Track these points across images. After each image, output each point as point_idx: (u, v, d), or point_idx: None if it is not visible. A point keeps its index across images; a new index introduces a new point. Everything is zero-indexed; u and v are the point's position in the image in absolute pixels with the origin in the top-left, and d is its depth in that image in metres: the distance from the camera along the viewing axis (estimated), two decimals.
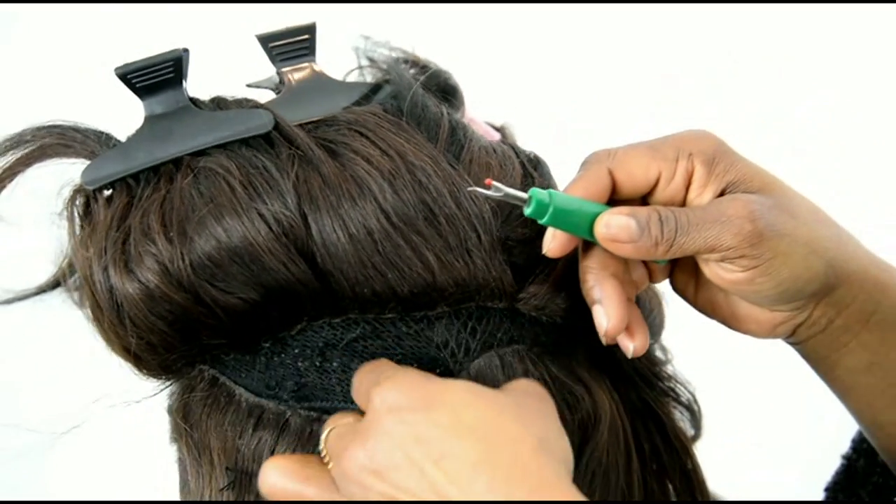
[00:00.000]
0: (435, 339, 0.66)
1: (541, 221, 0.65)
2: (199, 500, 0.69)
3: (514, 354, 0.68)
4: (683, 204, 0.68)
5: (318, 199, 0.63)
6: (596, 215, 0.66)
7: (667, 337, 0.80)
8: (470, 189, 0.65)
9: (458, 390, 0.60)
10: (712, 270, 0.68)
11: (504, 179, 0.68)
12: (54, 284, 0.73)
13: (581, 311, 0.69)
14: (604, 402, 0.70)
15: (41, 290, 0.74)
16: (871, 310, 0.71)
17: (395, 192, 0.64)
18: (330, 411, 0.67)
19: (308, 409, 0.67)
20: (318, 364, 0.66)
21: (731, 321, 0.72)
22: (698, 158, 0.67)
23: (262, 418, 0.68)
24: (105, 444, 1.49)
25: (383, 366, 0.64)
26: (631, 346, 0.68)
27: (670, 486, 0.78)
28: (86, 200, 0.67)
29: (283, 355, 0.67)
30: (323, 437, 0.64)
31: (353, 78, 0.80)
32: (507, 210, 0.67)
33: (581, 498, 0.57)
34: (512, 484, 0.56)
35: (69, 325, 0.70)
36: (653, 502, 0.76)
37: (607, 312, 0.67)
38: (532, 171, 0.70)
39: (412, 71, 0.79)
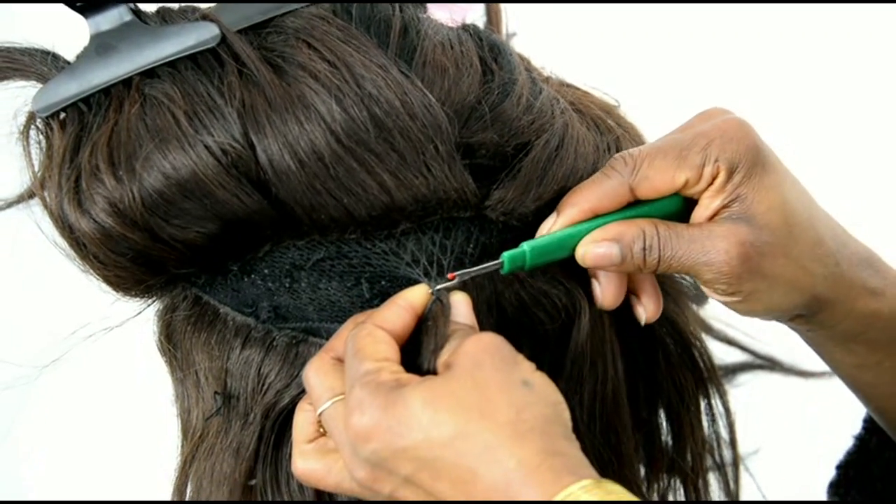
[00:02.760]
0: (404, 257, 0.64)
1: (525, 269, 0.65)
2: (186, 419, 0.70)
3: (486, 277, 0.66)
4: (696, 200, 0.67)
5: (264, 125, 0.61)
6: (580, 238, 0.66)
7: None
8: (439, 288, 0.63)
9: (415, 403, 0.58)
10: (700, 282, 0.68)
11: (459, 82, 0.64)
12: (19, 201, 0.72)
13: (552, 206, 0.66)
14: (581, 296, 0.69)
15: (8, 206, 0.72)
16: (859, 331, 0.70)
17: (343, 109, 0.61)
18: (311, 332, 0.67)
19: (289, 329, 0.67)
20: (287, 285, 0.66)
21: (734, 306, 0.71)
22: (723, 165, 0.66)
23: (249, 337, 0.67)
24: (105, 443, 1.53)
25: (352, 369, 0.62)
26: (642, 315, 0.69)
27: (678, 375, 0.76)
28: (40, 127, 0.66)
29: (253, 276, 0.66)
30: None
31: None
32: (466, 114, 0.64)
33: (576, 451, 0.57)
34: (516, 483, 0.55)
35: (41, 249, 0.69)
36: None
37: (603, 289, 0.67)
38: (492, 64, 0.66)
39: None
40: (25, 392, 0.70)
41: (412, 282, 0.65)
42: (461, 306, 0.63)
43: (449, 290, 0.64)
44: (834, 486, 0.83)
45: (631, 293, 0.69)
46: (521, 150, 0.65)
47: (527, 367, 0.60)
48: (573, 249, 0.66)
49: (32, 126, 0.66)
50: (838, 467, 0.83)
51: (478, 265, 0.65)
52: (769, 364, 0.89)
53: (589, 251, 0.65)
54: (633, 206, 0.67)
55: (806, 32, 1.61)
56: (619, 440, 0.70)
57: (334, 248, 0.64)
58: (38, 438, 1.57)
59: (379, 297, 0.65)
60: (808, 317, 0.70)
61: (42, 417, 1.54)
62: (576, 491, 0.55)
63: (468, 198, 0.64)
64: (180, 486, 0.69)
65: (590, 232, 0.66)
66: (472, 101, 0.63)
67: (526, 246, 0.64)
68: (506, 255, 0.64)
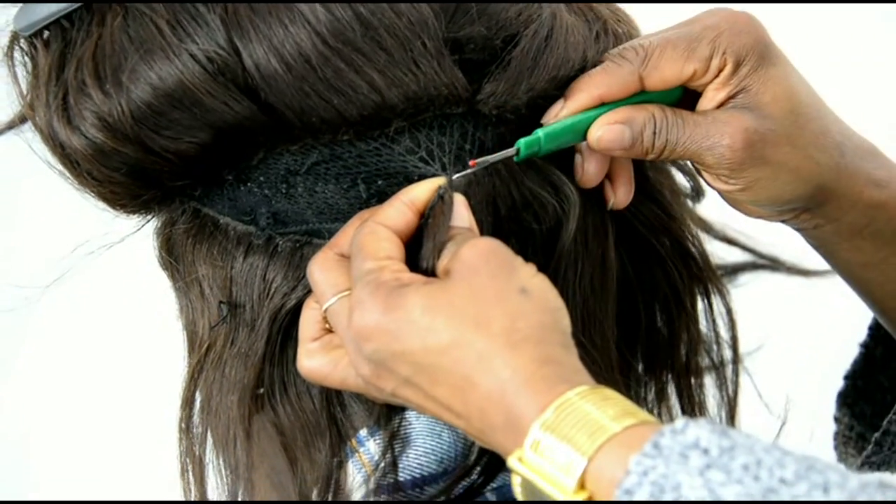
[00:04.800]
0: (401, 155, 0.64)
1: (538, 155, 0.65)
2: (191, 330, 0.70)
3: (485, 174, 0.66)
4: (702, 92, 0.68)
5: (248, 30, 0.61)
6: (590, 123, 0.66)
7: None
8: (455, 177, 0.63)
9: (414, 309, 0.58)
10: (703, 171, 0.69)
11: None
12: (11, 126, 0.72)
13: (546, 97, 0.66)
14: (571, 193, 0.68)
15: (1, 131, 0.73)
16: (864, 223, 0.70)
17: (327, 10, 0.60)
18: (313, 233, 0.67)
19: (290, 233, 0.67)
20: (283, 191, 0.66)
21: (727, 201, 0.72)
22: (730, 57, 0.66)
23: (251, 245, 0.68)
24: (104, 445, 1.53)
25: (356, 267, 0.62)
26: (611, 199, 0.69)
27: (671, 268, 0.75)
28: (24, 48, 0.66)
29: (249, 184, 0.66)
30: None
31: None
32: (451, 8, 0.63)
33: (573, 359, 0.58)
34: (510, 393, 0.56)
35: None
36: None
37: (585, 165, 0.67)
38: None
39: None
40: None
41: (409, 179, 0.65)
42: (459, 208, 0.63)
43: (455, 184, 0.64)
44: (842, 397, 0.83)
45: (606, 178, 0.69)
46: (510, 42, 0.64)
47: (525, 273, 0.59)
48: (584, 135, 0.66)
49: (16, 47, 0.66)
50: (846, 377, 0.83)
51: (479, 159, 0.65)
52: (771, 263, 0.89)
53: (603, 133, 0.66)
54: (637, 96, 0.67)
55: (804, 32, 1.59)
56: (605, 344, 0.70)
57: (328, 151, 0.64)
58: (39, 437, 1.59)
59: (376, 196, 0.65)
60: (813, 209, 0.70)
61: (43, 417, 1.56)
62: (571, 397, 0.55)
63: (459, 93, 0.64)
64: (189, 397, 0.70)
65: (600, 117, 0.66)
66: None
67: (540, 132, 0.65)
68: (521, 141, 0.65)
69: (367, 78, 0.61)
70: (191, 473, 0.69)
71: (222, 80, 0.61)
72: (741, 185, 0.67)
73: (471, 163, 0.64)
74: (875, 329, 0.81)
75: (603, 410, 0.54)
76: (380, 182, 0.65)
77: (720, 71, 0.66)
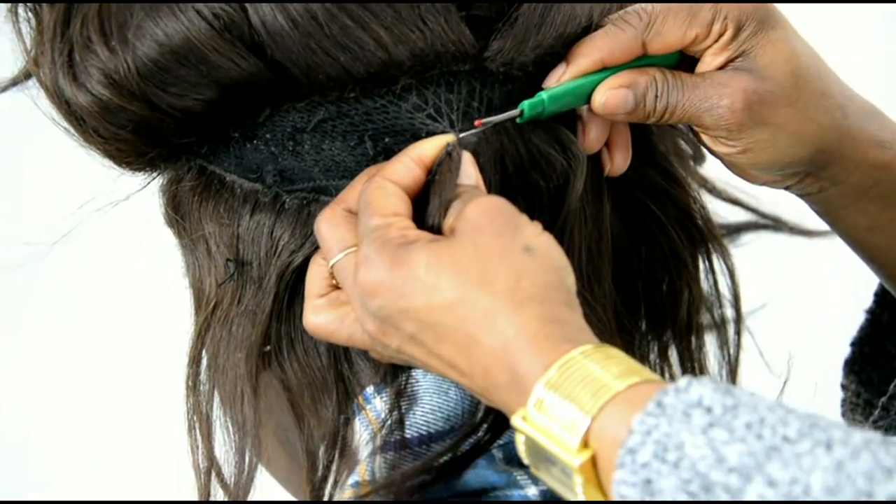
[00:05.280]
0: (408, 112, 0.64)
1: (542, 117, 0.66)
2: (197, 287, 0.70)
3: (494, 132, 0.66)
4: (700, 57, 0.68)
5: None
6: (594, 86, 0.66)
7: None
8: (463, 136, 0.63)
9: (419, 266, 0.58)
10: (702, 135, 0.69)
11: None
12: (17, 82, 0.72)
13: (553, 55, 0.66)
14: (578, 151, 0.68)
15: (6, 87, 0.72)
16: (869, 185, 0.70)
17: None
18: (320, 190, 0.67)
19: (297, 190, 0.67)
20: (290, 148, 0.65)
21: (728, 167, 0.72)
22: (731, 22, 0.66)
23: (257, 202, 0.68)
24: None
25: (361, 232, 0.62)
26: (608, 165, 0.69)
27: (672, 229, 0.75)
28: (28, 4, 0.66)
29: (255, 141, 0.66)
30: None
31: None
32: None
33: (577, 317, 0.58)
34: (514, 352, 0.56)
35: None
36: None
37: (587, 131, 0.68)
38: None
39: None
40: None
41: (416, 136, 0.64)
42: (466, 166, 0.63)
43: (464, 142, 0.64)
44: (849, 364, 0.83)
45: (605, 144, 0.69)
46: None
47: (530, 232, 0.59)
48: (586, 98, 0.67)
49: (20, 2, 0.66)
50: (852, 344, 0.83)
51: (484, 119, 0.65)
52: (774, 224, 0.89)
53: (608, 97, 0.66)
54: (637, 60, 0.67)
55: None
56: (605, 303, 0.71)
57: (334, 108, 0.64)
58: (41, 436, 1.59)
59: (383, 154, 0.65)
60: (816, 172, 0.70)
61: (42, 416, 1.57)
62: (575, 356, 0.55)
63: (466, 49, 0.63)
64: (196, 355, 0.70)
65: (603, 81, 0.66)
66: None
67: (544, 94, 0.65)
68: (525, 103, 0.65)
69: (373, 34, 0.61)
70: (198, 430, 0.69)
71: (228, 36, 0.61)
72: (740, 147, 0.67)
73: (476, 122, 0.64)
74: (881, 295, 0.81)
75: (606, 369, 0.54)
76: (387, 139, 0.65)
77: (720, 36, 0.66)
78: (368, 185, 0.62)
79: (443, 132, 0.64)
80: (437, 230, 0.62)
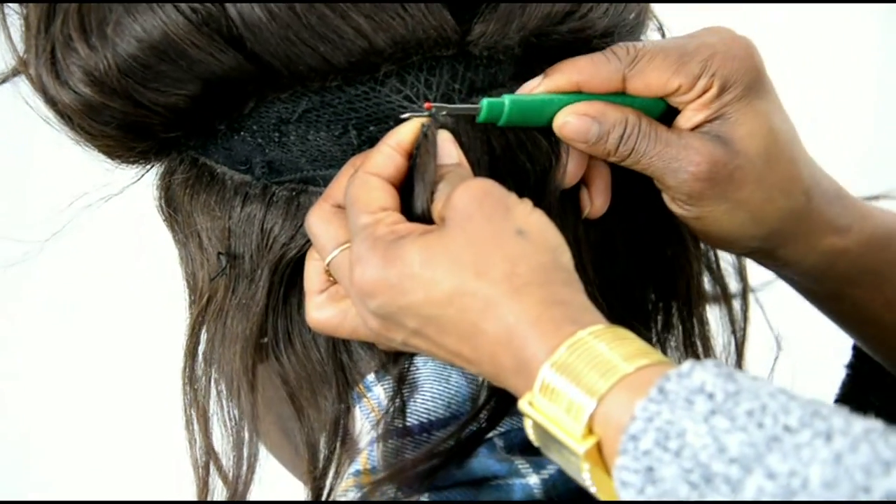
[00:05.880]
0: (390, 95, 0.64)
1: (498, 124, 0.63)
2: (192, 282, 0.70)
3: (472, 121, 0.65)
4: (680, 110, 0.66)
5: None
6: (560, 107, 0.64)
7: None
8: (405, 116, 0.62)
9: (413, 261, 0.58)
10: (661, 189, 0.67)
11: None
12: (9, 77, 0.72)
13: (540, 35, 0.65)
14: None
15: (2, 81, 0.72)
16: (824, 268, 0.69)
17: None
18: (308, 181, 0.66)
19: (285, 182, 0.67)
20: (276, 139, 0.65)
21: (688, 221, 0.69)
22: (718, 80, 0.64)
23: (248, 195, 0.67)
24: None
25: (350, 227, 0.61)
26: (587, 207, 0.67)
27: None
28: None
29: (242, 133, 0.66)
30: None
31: None
32: None
33: (580, 297, 0.57)
34: (518, 337, 0.56)
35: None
36: None
37: (569, 167, 0.66)
38: None
39: None
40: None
41: (398, 122, 0.64)
42: (445, 144, 0.63)
43: (437, 124, 0.63)
44: None
45: (583, 182, 0.68)
46: None
47: (520, 212, 0.59)
48: (550, 119, 0.65)
49: (7, 2, 0.66)
50: (836, 401, 0.80)
51: (466, 103, 0.64)
52: None
53: (570, 121, 0.64)
54: (619, 97, 0.66)
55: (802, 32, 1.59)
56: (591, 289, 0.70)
57: (318, 98, 0.64)
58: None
59: (367, 143, 0.65)
60: (769, 252, 0.69)
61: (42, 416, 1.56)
62: (584, 336, 0.54)
63: (448, 35, 0.63)
64: (192, 348, 0.70)
65: (573, 104, 0.65)
66: None
67: (507, 98, 0.63)
68: (486, 101, 0.63)
69: (353, 23, 0.60)
70: (195, 425, 0.70)
71: (207, 30, 0.61)
72: (695, 214, 0.66)
73: (426, 105, 0.63)
74: (858, 348, 0.79)
75: (615, 350, 0.54)
76: (371, 128, 0.64)
77: (704, 92, 0.65)
78: (352, 181, 0.61)
79: (419, 112, 0.64)
80: (427, 217, 0.61)
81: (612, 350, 0.54)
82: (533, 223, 0.59)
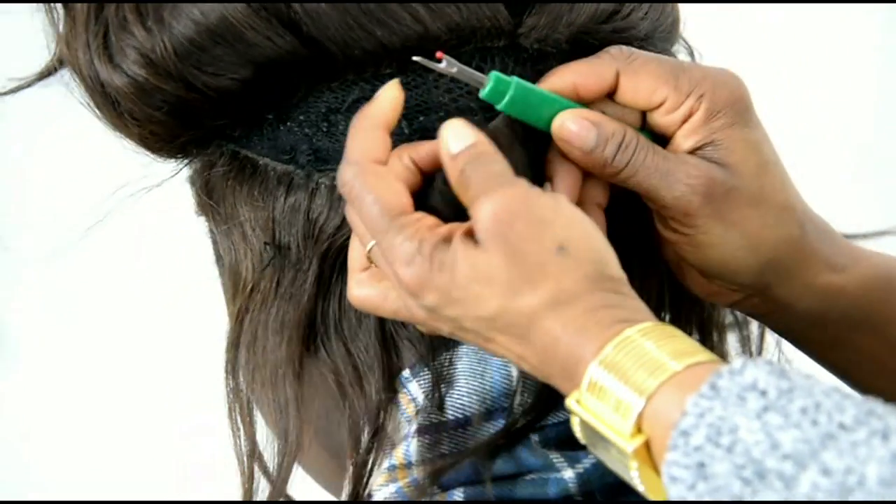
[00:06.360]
0: (440, 88, 0.64)
1: (497, 107, 0.63)
2: (234, 272, 0.70)
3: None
4: (669, 138, 0.66)
5: None
6: (560, 109, 0.64)
7: None
8: (416, 59, 0.62)
9: (460, 276, 0.58)
10: (654, 214, 0.66)
11: None
12: (49, 72, 0.72)
13: (588, 33, 0.66)
14: None
15: (41, 77, 0.72)
16: (823, 310, 0.68)
17: None
18: None
19: (331, 170, 0.67)
20: (325, 129, 0.66)
21: (675, 268, 0.69)
22: (705, 104, 0.64)
23: (292, 184, 0.67)
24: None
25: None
26: None
27: None
28: None
29: (289, 123, 0.66)
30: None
31: None
32: None
33: (630, 300, 0.57)
34: (564, 343, 0.56)
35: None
36: None
37: (555, 176, 0.65)
38: None
39: None
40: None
41: (448, 113, 0.64)
42: (458, 128, 0.61)
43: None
44: None
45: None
46: None
47: (559, 226, 0.58)
48: (548, 122, 0.64)
49: None
50: None
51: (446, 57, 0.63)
52: None
53: (567, 124, 0.64)
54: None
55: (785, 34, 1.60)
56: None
57: (368, 87, 0.64)
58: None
59: (418, 133, 0.65)
60: (764, 292, 0.68)
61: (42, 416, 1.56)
62: (632, 335, 0.54)
63: (501, 25, 0.64)
64: (235, 338, 0.69)
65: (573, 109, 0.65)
66: None
67: (514, 80, 0.63)
68: (494, 73, 0.63)
69: (410, 9, 0.61)
70: (238, 414, 0.69)
71: (265, 14, 0.61)
72: (690, 236, 0.65)
73: (438, 54, 0.62)
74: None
75: (663, 348, 0.54)
76: (421, 118, 0.65)
77: (690, 115, 0.65)
78: (362, 173, 0.61)
79: (468, 107, 0.64)
80: (455, 207, 0.61)
81: (660, 348, 0.54)
82: (573, 236, 0.58)
